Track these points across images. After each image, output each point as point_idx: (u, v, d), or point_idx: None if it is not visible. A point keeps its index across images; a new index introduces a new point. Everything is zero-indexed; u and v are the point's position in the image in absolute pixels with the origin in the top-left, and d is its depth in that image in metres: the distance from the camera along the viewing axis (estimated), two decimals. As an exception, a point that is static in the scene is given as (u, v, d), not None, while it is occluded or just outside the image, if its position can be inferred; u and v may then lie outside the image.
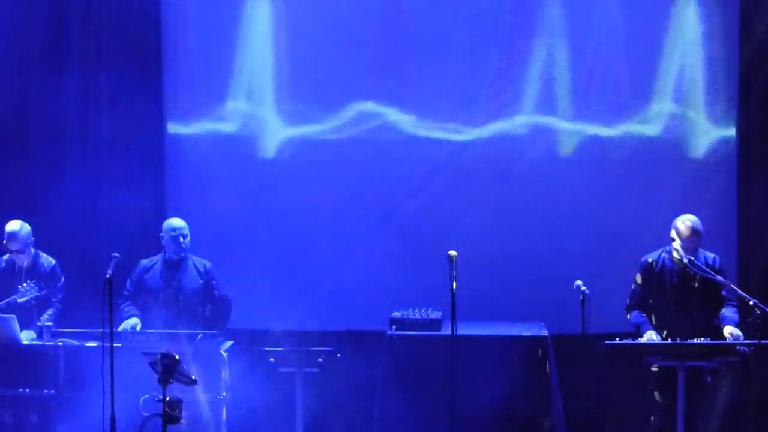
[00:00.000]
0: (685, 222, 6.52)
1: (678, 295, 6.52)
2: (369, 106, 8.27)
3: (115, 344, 5.88)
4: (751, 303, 6.16)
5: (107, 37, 8.18)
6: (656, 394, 6.54)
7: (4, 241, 6.94)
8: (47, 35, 8.19)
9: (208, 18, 8.40)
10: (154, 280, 6.97)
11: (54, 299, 7.03)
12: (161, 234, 7.03)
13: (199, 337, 6.54)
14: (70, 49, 8.18)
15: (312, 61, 8.25)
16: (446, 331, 6.49)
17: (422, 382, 6.86)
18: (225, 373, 6.66)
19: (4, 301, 6.65)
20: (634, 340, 6.37)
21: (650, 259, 6.65)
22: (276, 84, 8.35)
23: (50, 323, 6.86)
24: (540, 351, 6.99)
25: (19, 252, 6.95)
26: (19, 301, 6.66)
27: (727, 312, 6.45)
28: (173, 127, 8.41)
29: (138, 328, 6.79)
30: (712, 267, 6.51)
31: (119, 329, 6.60)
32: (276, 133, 8.35)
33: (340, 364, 6.67)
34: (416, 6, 8.29)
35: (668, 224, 6.67)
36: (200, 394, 6.35)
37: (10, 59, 7.99)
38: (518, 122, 8.25)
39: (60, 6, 8.14)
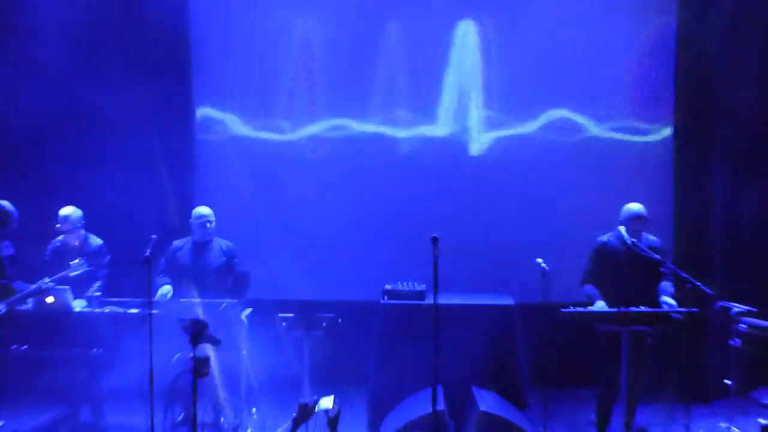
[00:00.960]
0: (630, 209, 6.65)
1: (624, 271, 6.57)
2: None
3: (153, 311, 6.00)
4: (683, 277, 6.31)
5: (144, 51, 8.21)
6: (604, 353, 6.57)
7: (58, 225, 7.00)
8: (92, 49, 8.19)
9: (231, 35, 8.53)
10: (184, 258, 7.03)
11: (101, 273, 7.06)
12: (190, 220, 7.09)
13: (223, 305, 6.57)
14: (113, 60, 8.22)
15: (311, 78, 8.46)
16: (429, 300, 6.50)
17: (410, 343, 6.90)
18: (244, 336, 6.70)
19: (57, 276, 6.60)
20: (586, 308, 6.46)
21: (602, 241, 6.74)
22: (281, 95, 8.53)
23: (98, 293, 6.93)
24: (507, 317, 7.13)
25: (69, 233, 7.00)
26: (70, 275, 6.66)
27: (664, 285, 6.57)
28: (201, 133, 8.59)
29: (170, 294, 6.81)
30: (652, 247, 6.60)
31: (156, 297, 6.65)
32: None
33: (342, 328, 6.70)
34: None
35: (617, 211, 6.75)
36: (224, 353, 6.35)
37: (61, 69, 7.97)
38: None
39: (103, 24, 8.19)
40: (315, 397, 5.29)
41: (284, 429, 5.12)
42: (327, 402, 5.25)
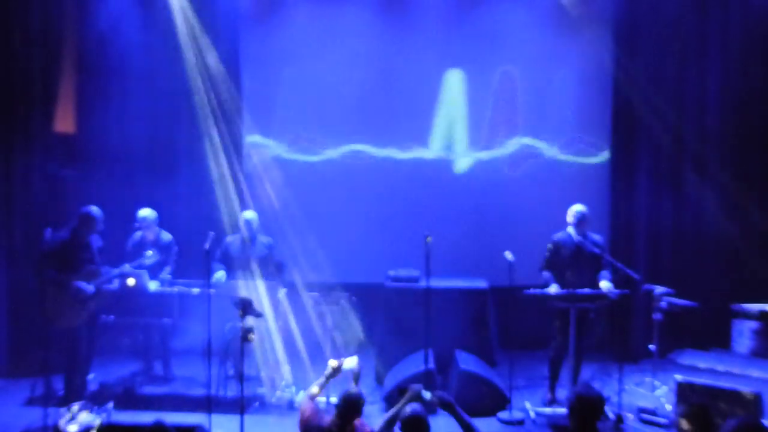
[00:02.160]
0: (576, 211, 6.55)
1: (573, 261, 6.51)
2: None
3: (211, 290, 5.95)
4: (617, 266, 6.32)
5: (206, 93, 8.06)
6: (556, 325, 6.52)
7: (137, 223, 7.00)
8: (171, 92, 8.00)
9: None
10: (235, 250, 6.97)
11: (171, 261, 7.05)
12: (240, 221, 7.06)
13: (265, 286, 6.51)
14: (182, 99, 8.03)
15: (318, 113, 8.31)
16: (422, 283, 6.58)
17: (407, 316, 6.90)
18: (282, 309, 6.68)
19: (136, 262, 6.61)
20: (543, 290, 6.39)
21: (556, 237, 6.63)
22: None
23: (168, 276, 6.91)
24: (482, 297, 7.12)
25: (146, 229, 7.01)
26: (145, 263, 6.66)
27: (603, 273, 6.48)
28: (249, 154, 8.50)
29: (224, 278, 6.73)
30: (595, 243, 6.52)
31: (213, 280, 6.53)
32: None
33: (355, 303, 6.69)
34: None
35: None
36: (265, 323, 6.33)
37: (144, 107, 7.93)
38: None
39: (176, 69, 7.97)
40: (342, 357, 5.24)
41: (317, 383, 5.02)
42: (352, 361, 5.19)
